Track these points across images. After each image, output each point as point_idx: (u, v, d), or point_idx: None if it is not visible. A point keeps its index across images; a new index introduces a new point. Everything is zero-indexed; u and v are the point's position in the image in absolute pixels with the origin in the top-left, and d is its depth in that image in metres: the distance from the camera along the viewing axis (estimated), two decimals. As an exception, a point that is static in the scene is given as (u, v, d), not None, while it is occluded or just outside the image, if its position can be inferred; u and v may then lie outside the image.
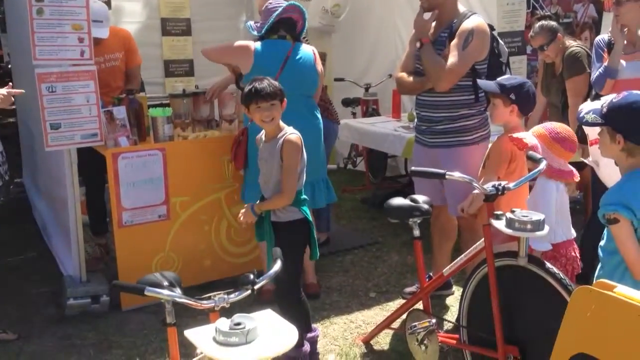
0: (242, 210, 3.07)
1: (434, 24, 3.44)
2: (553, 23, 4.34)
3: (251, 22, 3.81)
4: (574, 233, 3.01)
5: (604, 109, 2.27)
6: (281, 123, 2.99)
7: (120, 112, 3.82)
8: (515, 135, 2.95)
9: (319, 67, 3.84)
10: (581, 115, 2.38)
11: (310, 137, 3.68)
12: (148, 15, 6.17)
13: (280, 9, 3.64)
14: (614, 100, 2.27)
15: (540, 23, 4.35)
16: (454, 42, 3.30)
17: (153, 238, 3.84)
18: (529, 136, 2.96)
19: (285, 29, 3.72)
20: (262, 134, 3.09)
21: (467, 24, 3.32)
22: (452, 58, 3.28)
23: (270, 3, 3.73)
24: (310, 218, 3.04)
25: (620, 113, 2.24)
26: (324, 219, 4.63)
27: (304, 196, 3.03)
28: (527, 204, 2.95)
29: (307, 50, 3.78)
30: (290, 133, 2.95)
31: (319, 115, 3.88)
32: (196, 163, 3.94)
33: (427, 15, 3.41)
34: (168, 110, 3.92)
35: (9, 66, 9.95)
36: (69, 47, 3.47)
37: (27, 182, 5.93)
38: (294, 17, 3.72)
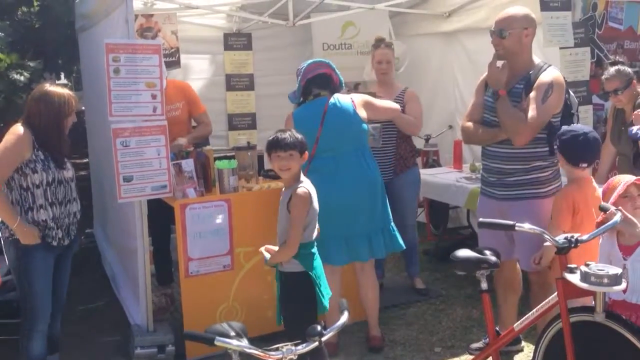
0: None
1: None
2: (629, 69, 4.28)
3: (290, 92, 3.82)
4: None
5: None
6: (301, 176, 3.08)
7: (188, 164, 3.96)
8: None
9: (362, 113, 3.73)
10: (634, 131, 2.28)
11: (360, 189, 3.67)
12: (214, 72, 6.46)
13: (303, 70, 3.67)
14: None
15: (617, 67, 4.29)
16: (533, 95, 3.22)
17: (218, 288, 3.89)
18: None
19: (319, 86, 3.70)
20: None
21: (545, 77, 3.25)
22: (532, 112, 3.19)
23: (299, 69, 3.74)
24: (319, 272, 3.05)
25: None
26: (376, 266, 4.56)
27: (313, 250, 3.06)
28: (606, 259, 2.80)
29: (343, 99, 3.72)
30: (300, 187, 3.01)
31: (373, 166, 3.80)
32: (260, 214, 3.99)
33: (499, 64, 3.33)
34: (233, 162, 4.03)
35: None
36: (142, 103, 3.64)
37: (98, 232, 6.14)
38: (322, 72, 3.70)
